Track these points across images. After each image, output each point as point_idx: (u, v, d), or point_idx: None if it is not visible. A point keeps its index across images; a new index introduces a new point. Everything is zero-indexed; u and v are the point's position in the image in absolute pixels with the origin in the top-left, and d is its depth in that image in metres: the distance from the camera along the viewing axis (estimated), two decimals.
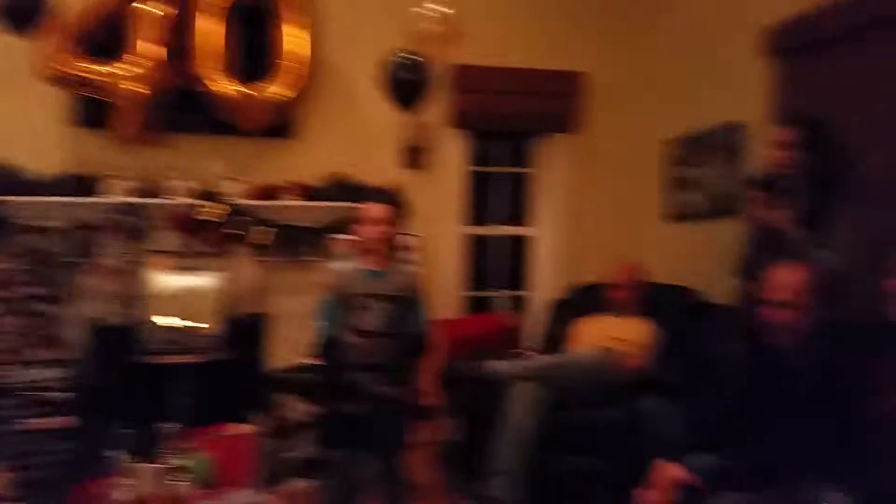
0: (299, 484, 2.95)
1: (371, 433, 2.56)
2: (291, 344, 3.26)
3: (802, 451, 1.87)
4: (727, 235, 2.62)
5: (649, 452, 2.15)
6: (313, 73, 3.85)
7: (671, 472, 2.01)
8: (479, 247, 4.50)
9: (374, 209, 2.57)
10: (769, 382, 2.12)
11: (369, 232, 2.55)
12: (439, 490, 3.27)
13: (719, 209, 3.65)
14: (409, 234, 2.75)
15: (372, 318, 2.52)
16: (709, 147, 3.83)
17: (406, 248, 2.73)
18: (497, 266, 4.55)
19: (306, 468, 3.04)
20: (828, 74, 3.00)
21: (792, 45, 3.21)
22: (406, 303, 2.56)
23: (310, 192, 3.86)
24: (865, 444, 1.78)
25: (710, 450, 2.07)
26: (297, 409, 3.12)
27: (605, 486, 2.80)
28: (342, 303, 2.58)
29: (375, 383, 2.53)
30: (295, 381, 3.14)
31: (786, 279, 2.05)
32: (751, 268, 2.45)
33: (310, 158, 3.95)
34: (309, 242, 3.83)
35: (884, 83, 2.75)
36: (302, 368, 3.05)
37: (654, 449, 2.21)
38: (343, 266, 2.72)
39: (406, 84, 3.67)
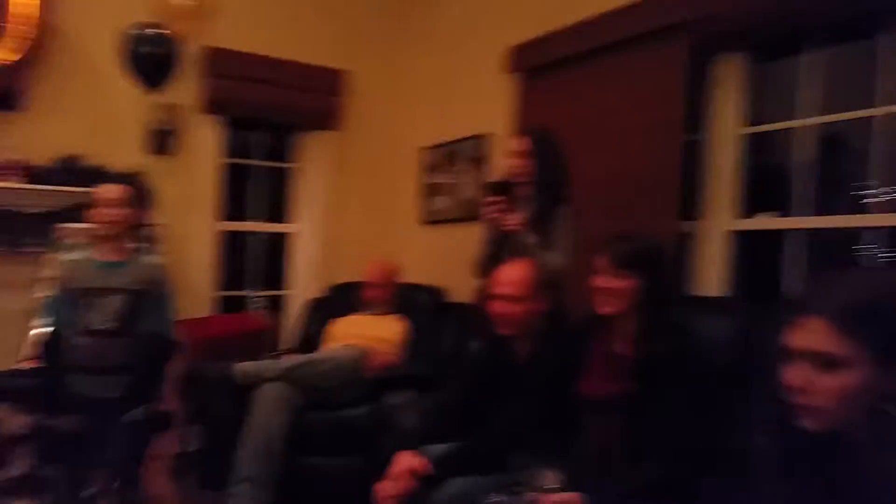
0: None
1: (96, 446, 2.32)
2: (8, 346, 2.86)
3: (524, 433, 2.03)
4: (472, 239, 2.78)
5: (395, 446, 2.18)
6: (44, 39, 3.44)
7: (406, 461, 2.07)
8: (236, 243, 4.32)
9: (108, 190, 2.32)
10: (498, 372, 2.29)
11: (102, 216, 2.29)
12: (179, 502, 3.07)
13: (466, 214, 3.90)
14: (152, 224, 2.49)
15: (103, 315, 2.27)
16: (458, 156, 4.07)
17: (149, 238, 2.46)
18: (255, 264, 4.40)
19: (23, 487, 2.67)
20: (555, 92, 3.38)
21: (527, 65, 3.56)
22: (146, 298, 2.32)
23: (35, 174, 3.39)
24: (575, 422, 1.97)
25: (448, 438, 2.18)
26: (12, 420, 2.72)
27: (356, 483, 2.80)
28: (70, 298, 2.30)
29: (103, 389, 2.28)
30: (8, 389, 2.74)
31: (510, 276, 2.23)
32: (486, 268, 2.61)
33: (37, 135, 3.49)
34: (33, 231, 3.35)
35: (599, 101, 3.16)
36: (17, 374, 2.67)
37: (399, 442, 2.24)
38: (72, 257, 2.42)
39: (149, 60, 3.40)
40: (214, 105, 3.97)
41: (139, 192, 2.40)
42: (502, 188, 2.64)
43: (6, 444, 2.77)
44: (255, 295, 4.15)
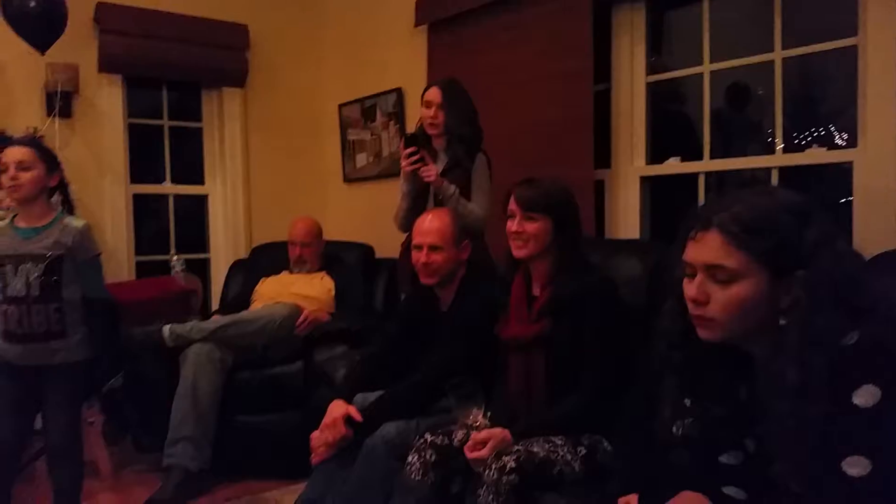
0: None
1: (30, 414, 2.29)
2: None
3: (450, 377, 2.11)
4: (395, 194, 2.82)
5: (328, 398, 2.23)
6: None
7: (337, 409, 2.13)
8: (154, 206, 4.21)
9: (14, 153, 2.23)
10: (424, 320, 2.37)
11: (10, 180, 2.21)
12: (112, 467, 3.06)
13: (388, 170, 3.92)
14: (66, 185, 2.40)
15: (24, 281, 2.19)
16: (375, 111, 4.07)
17: (67, 201, 2.37)
18: (174, 227, 4.30)
19: None
20: (463, 44, 3.43)
21: (434, 18, 3.58)
22: (70, 262, 2.25)
23: None
24: (498, 364, 2.07)
25: (379, 387, 2.23)
26: None
27: (294, 438, 2.83)
28: None
29: (31, 356, 2.23)
30: None
31: (430, 226, 2.28)
32: (408, 220, 2.65)
33: None
34: None
35: (507, 52, 3.22)
36: None
37: (331, 394, 2.29)
38: None
39: (35, 16, 3.22)
40: (111, 63, 3.82)
41: (45, 153, 2.30)
42: (417, 140, 2.66)
43: None
44: (176, 258, 4.07)
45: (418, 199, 2.71)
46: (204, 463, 2.82)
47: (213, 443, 2.86)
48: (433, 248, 2.25)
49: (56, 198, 2.36)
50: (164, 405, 2.85)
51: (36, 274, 2.19)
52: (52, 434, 2.27)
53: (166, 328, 2.93)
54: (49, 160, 2.29)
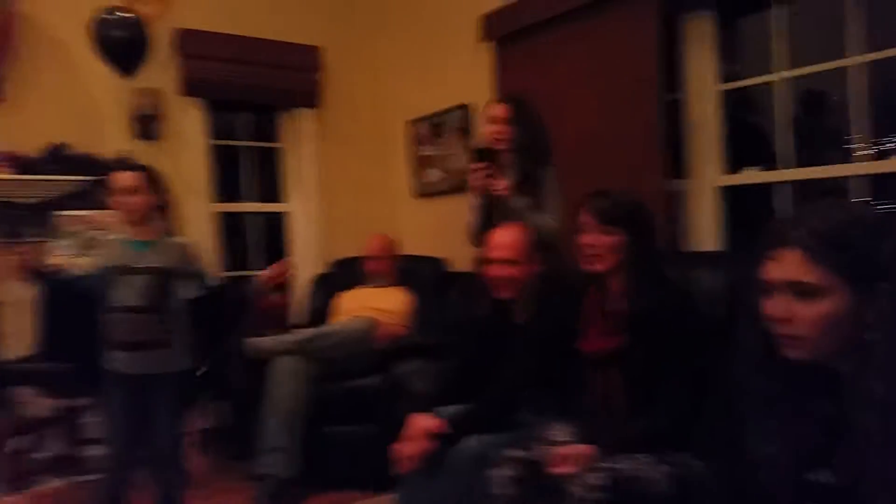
0: (50, 484, 2.71)
1: (139, 423, 2.44)
2: (16, 333, 2.98)
3: (528, 391, 2.14)
4: (465, 208, 2.87)
5: (407, 411, 2.28)
6: (15, 28, 3.45)
7: (421, 422, 2.18)
8: (233, 224, 4.41)
9: (123, 178, 2.41)
10: (500, 334, 2.39)
11: (120, 204, 2.39)
12: (210, 475, 3.21)
13: (458, 185, 3.99)
14: (171, 205, 2.59)
15: (135, 292, 2.36)
16: (444, 127, 4.15)
17: (173, 219, 2.56)
18: (255, 244, 4.49)
19: (56, 466, 2.80)
20: (530, 57, 3.45)
21: (500, 33, 3.62)
22: (176, 276, 2.42)
23: (25, 164, 3.40)
24: (577, 378, 2.07)
25: (456, 401, 2.28)
26: (36, 404, 2.85)
27: (372, 449, 2.92)
28: (104, 278, 2.40)
29: (141, 365, 2.39)
30: (30, 373, 2.86)
31: (503, 240, 2.31)
32: (480, 234, 2.70)
33: (17, 125, 3.49)
34: (29, 221, 3.37)
35: (574, 64, 3.24)
36: (36, 358, 2.78)
37: (411, 407, 2.34)
38: (106, 238, 2.52)
39: (120, 43, 3.42)
40: (193, 87, 4.00)
41: (152, 177, 2.48)
42: (486, 155, 2.70)
43: (34, 427, 2.89)
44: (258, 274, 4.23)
45: (489, 214, 2.75)
46: (294, 472, 2.93)
47: (302, 451, 2.97)
48: (507, 261, 2.28)
49: (163, 216, 2.54)
50: (252, 415, 3.00)
51: (145, 286, 2.36)
52: (157, 441, 2.42)
53: (251, 341, 3.08)
54: (155, 183, 2.47)
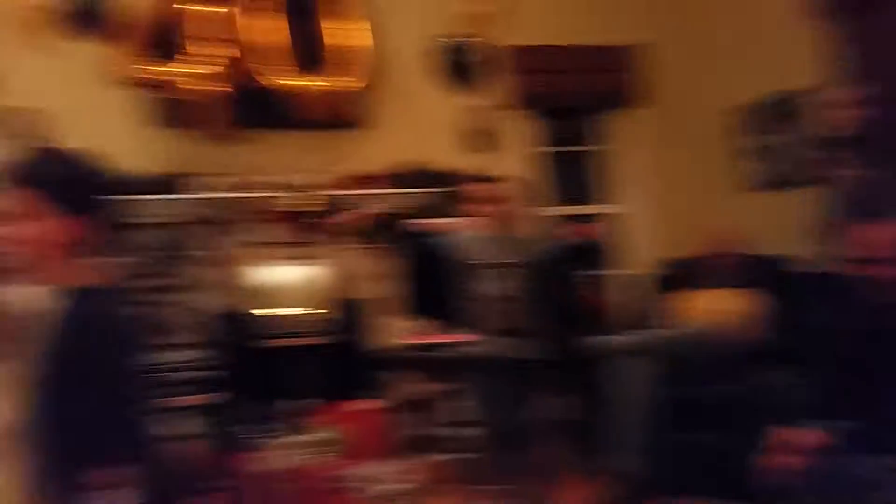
0: (438, 457, 3.05)
1: (514, 405, 2.65)
2: (394, 326, 3.41)
3: None
4: (806, 202, 2.59)
5: (775, 422, 2.17)
6: (377, 64, 3.94)
7: (804, 437, 2.05)
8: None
9: (479, 189, 2.66)
10: (884, 343, 2.11)
11: (487, 212, 2.64)
12: (561, 466, 3.32)
13: (793, 177, 3.63)
14: (535, 212, 2.82)
15: (511, 283, 2.59)
16: (775, 114, 3.80)
17: (541, 222, 2.81)
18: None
19: (439, 443, 3.12)
20: (872, 31, 2.93)
21: (844, 5, 3.12)
22: (536, 270, 2.62)
23: (397, 180, 3.94)
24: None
25: (830, 416, 2.09)
26: (421, 386, 3.21)
27: (734, 459, 2.77)
28: (477, 271, 2.67)
29: (517, 351, 2.59)
30: (419, 360, 3.24)
31: (884, 236, 2.03)
32: (843, 230, 2.41)
33: (379, 148, 4.00)
34: (384, 230, 3.85)
35: None
36: (424, 347, 3.15)
37: (776, 419, 2.20)
38: (472, 237, 2.80)
39: (459, 66, 3.77)
40: (525, 100, 4.21)
41: (501, 185, 2.70)
42: (844, 143, 2.42)
43: (422, 406, 3.24)
44: (586, 275, 4.31)
45: (853, 208, 2.45)
46: (646, 472, 2.96)
47: (655, 454, 2.98)
48: (891, 260, 2.01)
49: (512, 219, 2.74)
50: (600, 411, 3.05)
51: (510, 278, 2.59)
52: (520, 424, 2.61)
53: (598, 339, 3.15)
54: (505, 191, 2.69)
